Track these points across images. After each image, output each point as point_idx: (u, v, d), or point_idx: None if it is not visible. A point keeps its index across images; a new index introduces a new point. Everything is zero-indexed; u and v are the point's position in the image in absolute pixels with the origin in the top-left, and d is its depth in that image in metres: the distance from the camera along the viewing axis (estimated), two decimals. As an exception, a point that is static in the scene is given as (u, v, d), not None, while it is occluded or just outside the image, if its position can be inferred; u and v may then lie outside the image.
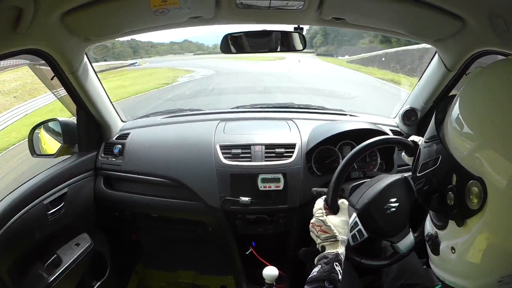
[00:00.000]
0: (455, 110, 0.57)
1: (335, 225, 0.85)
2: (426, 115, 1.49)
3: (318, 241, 0.86)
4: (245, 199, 1.30)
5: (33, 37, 0.93)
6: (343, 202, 0.89)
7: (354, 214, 0.95)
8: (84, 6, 0.94)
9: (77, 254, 1.31)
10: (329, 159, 1.37)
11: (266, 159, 1.34)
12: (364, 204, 0.95)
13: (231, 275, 1.67)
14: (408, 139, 1.02)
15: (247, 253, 1.40)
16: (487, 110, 0.54)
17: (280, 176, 1.31)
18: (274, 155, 1.35)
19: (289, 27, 1.24)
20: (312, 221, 0.88)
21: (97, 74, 1.37)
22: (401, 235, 0.96)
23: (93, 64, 1.34)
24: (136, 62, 18.68)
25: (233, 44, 1.22)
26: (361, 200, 0.97)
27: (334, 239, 0.83)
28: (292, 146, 1.37)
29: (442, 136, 0.59)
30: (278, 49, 1.26)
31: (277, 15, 1.17)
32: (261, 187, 1.30)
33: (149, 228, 1.60)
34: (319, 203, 0.90)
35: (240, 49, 1.24)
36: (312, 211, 0.90)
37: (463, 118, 0.55)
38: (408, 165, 1.37)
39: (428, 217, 0.68)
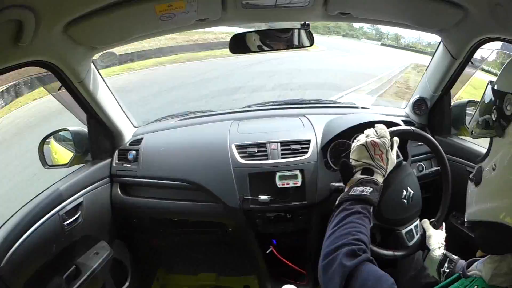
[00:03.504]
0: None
1: (391, 163, 0.86)
2: (436, 104, 1.51)
3: (366, 160, 0.84)
4: (264, 197, 1.30)
5: (37, 49, 0.92)
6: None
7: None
8: (87, 15, 0.92)
9: (97, 264, 1.30)
10: (345, 153, 1.37)
11: (282, 156, 1.34)
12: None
13: (253, 275, 1.66)
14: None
15: (267, 251, 1.40)
16: None
17: (298, 172, 1.31)
18: (290, 152, 1.35)
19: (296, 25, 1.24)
20: (377, 140, 0.86)
21: (105, 80, 1.36)
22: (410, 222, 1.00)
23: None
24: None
25: (241, 45, 1.22)
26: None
27: (384, 172, 0.84)
28: (307, 142, 1.37)
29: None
30: (286, 47, 1.26)
31: (283, 13, 1.17)
32: (279, 184, 1.30)
33: (168, 233, 1.59)
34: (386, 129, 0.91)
35: (248, 49, 1.23)
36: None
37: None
38: (421, 154, 1.40)
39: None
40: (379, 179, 0.83)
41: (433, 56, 1.44)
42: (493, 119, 0.65)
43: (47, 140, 1.42)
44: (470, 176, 0.70)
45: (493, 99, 0.67)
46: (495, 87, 0.67)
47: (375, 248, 0.97)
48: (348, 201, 0.79)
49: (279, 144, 1.36)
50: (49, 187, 1.22)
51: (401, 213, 0.98)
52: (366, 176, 0.83)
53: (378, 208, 0.91)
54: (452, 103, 1.49)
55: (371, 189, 0.79)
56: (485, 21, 1.04)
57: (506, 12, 0.92)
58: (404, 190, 0.99)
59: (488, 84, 0.71)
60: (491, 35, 1.11)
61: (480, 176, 0.66)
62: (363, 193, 0.78)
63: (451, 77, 1.39)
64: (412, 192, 0.99)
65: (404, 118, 1.54)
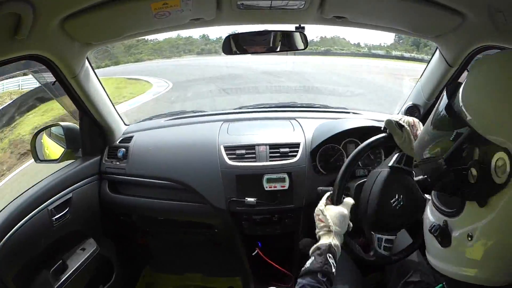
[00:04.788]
0: (474, 80, 0.56)
1: (331, 215, 0.87)
2: (429, 111, 1.48)
3: (316, 230, 0.88)
4: (251, 199, 1.30)
5: (34, 43, 0.93)
6: (349, 199, 0.92)
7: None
8: (84, 11, 0.93)
9: (83, 259, 1.31)
10: (334, 158, 1.37)
11: (270, 159, 1.34)
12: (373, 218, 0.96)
13: (238, 276, 1.67)
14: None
15: (253, 254, 1.40)
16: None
17: (285, 175, 1.31)
18: (278, 155, 1.35)
19: (291, 27, 1.24)
20: (315, 211, 0.91)
21: (99, 78, 1.36)
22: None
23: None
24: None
25: (235, 45, 1.22)
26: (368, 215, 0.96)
27: (327, 229, 0.84)
28: (297, 145, 1.37)
29: (457, 110, 0.55)
30: (280, 49, 1.26)
31: (278, 15, 1.16)
32: (266, 187, 1.30)
33: (156, 232, 1.60)
34: (324, 196, 0.94)
35: (242, 50, 1.24)
36: None
37: (485, 86, 0.54)
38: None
39: (430, 206, 0.64)
40: (325, 240, 0.84)
41: (428, 63, 1.42)
42: (472, 181, 0.51)
43: (39, 135, 1.43)
44: (431, 230, 0.61)
45: (468, 148, 0.52)
46: (478, 129, 0.51)
47: (363, 254, 0.96)
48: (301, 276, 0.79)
49: (268, 146, 1.36)
50: (40, 181, 1.23)
51: (386, 218, 0.96)
52: (315, 246, 0.84)
53: (363, 208, 0.93)
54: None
55: (313, 258, 0.80)
56: (484, 28, 1.02)
57: (506, 19, 0.91)
58: (395, 196, 0.97)
59: (448, 104, 0.57)
60: (489, 43, 1.10)
61: (448, 239, 0.58)
62: (307, 267, 0.79)
63: (445, 84, 1.37)
64: (403, 199, 0.97)
65: None
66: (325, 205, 0.90)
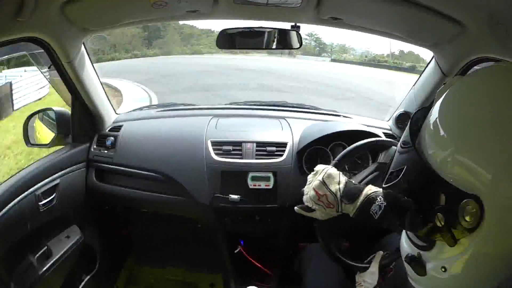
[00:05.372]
0: (437, 116, 0.53)
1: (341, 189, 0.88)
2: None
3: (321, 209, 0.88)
4: (234, 196, 1.29)
5: (34, 25, 0.94)
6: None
7: None
8: None
9: (67, 247, 1.30)
10: (320, 160, 1.36)
11: (256, 157, 1.33)
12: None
13: (220, 273, 1.66)
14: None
15: (235, 251, 1.39)
16: (480, 116, 0.48)
17: (270, 175, 1.30)
18: (265, 153, 1.34)
19: (287, 25, 1.23)
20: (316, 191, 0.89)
21: (94, 65, 1.37)
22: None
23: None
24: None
25: (229, 40, 1.22)
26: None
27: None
28: (284, 145, 1.36)
29: (419, 148, 0.53)
30: (274, 46, 1.25)
31: (274, 12, 1.16)
32: (250, 185, 1.30)
33: (140, 224, 1.60)
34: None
35: (236, 45, 1.24)
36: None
37: (447, 123, 0.51)
38: None
39: (404, 236, 0.63)
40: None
41: (423, 71, 1.41)
42: (439, 225, 0.49)
43: (32, 118, 1.43)
44: (406, 259, 0.60)
45: (433, 192, 0.50)
46: (440, 172, 0.49)
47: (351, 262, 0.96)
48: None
49: (254, 144, 1.35)
50: (28, 166, 1.23)
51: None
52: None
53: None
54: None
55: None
56: (483, 40, 1.00)
57: (507, 32, 0.88)
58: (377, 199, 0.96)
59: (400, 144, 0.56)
60: (487, 55, 1.08)
61: (423, 269, 0.57)
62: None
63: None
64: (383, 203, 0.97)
65: (386, 131, 1.52)
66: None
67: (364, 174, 1.04)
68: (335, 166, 0.98)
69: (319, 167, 0.92)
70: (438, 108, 0.53)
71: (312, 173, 0.93)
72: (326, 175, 0.88)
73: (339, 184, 0.87)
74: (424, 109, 0.57)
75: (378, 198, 0.84)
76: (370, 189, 0.87)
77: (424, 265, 0.57)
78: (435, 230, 0.51)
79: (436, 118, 0.52)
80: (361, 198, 0.86)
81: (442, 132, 0.51)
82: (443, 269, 0.53)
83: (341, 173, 0.90)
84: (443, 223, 0.49)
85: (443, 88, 0.56)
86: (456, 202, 0.47)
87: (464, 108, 0.52)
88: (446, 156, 0.49)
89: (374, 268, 0.95)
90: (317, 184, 0.88)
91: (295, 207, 0.95)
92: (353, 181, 0.95)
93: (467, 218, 0.47)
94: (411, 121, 0.57)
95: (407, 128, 0.57)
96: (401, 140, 0.59)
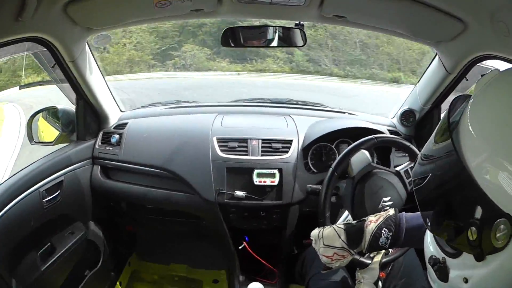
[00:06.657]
0: (477, 117, 0.50)
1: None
2: (424, 117, 1.49)
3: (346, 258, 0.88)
4: (240, 193, 1.30)
5: (37, 25, 0.95)
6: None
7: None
8: None
9: (71, 243, 1.31)
10: (326, 157, 1.37)
11: (262, 153, 1.34)
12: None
13: (223, 269, 1.67)
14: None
15: (240, 247, 1.40)
16: None
17: (276, 171, 1.31)
18: (270, 150, 1.35)
19: (291, 24, 1.24)
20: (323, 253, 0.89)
21: (98, 63, 1.37)
22: None
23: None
24: None
25: (233, 39, 1.23)
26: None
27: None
28: (289, 142, 1.37)
29: (460, 153, 0.50)
30: (278, 45, 1.26)
31: (278, 11, 1.17)
32: (256, 181, 1.30)
33: (144, 220, 1.60)
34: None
35: (240, 43, 1.24)
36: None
37: (488, 126, 0.49)
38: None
39: (430, 237, 0.63)
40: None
41: (427, 68, 1.41)
42: (471, 238, 0.49)
43: (35, 116, 1.44)
44: (430, 261, 0.61)
45: (471, 204, 0.49)
46: (482, 187, 0.47)
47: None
48: None
49: (260, 141, 1.36)
50: (32, 163, 1.23)
51: None
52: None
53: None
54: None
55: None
56: (485, 37, 1.01)
57: (508, 30, 0.89)
58: (382, 199, 0.98)
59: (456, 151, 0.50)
60: (489, 53, 1.09)
61: (445, 276, 0.57)
62: None
63: (443, 91, 1.37)
64: (391, 202, 0.99)
65: (390, 128, 1.52)
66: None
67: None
68: (334, 169, 1.07)
69: (313, 235, 0.92)
70: (477, 108, 0.51)
71: (312, 243, 0.92)
72: (324, 239, 0.89)
73: (340, 237, 0.87)
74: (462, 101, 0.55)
75: (382, 231, 0.85)
76: (369, 223, 0.87)
77: (448, 272, 0.57)
78: (467, 243, 0.50)
79: (475, 120, 0.50)
80: (367, 237, 0.86)
81: (481, 135, 0.49)
82: (464, 280, 0.53)
83: (335, 225, 0.90)
84: (475, 237, 0.48)
85: (482, 80, 0.54)
86: (492, 220, 0.46)
87: (506, 111, 0.50)
88: (483, 160, 0.48)
89: (374, 265, 0.97)
90: (322, 251, 0.89)
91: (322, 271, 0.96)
92: (350, 220, 0.97)
93: (499, 239, 0.46)
94: (448, 114, 0.55)
95: (428, 142, 0.57)
96: (421, 152, 0.59)
